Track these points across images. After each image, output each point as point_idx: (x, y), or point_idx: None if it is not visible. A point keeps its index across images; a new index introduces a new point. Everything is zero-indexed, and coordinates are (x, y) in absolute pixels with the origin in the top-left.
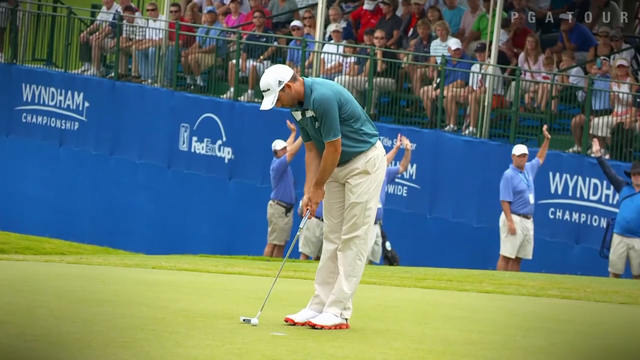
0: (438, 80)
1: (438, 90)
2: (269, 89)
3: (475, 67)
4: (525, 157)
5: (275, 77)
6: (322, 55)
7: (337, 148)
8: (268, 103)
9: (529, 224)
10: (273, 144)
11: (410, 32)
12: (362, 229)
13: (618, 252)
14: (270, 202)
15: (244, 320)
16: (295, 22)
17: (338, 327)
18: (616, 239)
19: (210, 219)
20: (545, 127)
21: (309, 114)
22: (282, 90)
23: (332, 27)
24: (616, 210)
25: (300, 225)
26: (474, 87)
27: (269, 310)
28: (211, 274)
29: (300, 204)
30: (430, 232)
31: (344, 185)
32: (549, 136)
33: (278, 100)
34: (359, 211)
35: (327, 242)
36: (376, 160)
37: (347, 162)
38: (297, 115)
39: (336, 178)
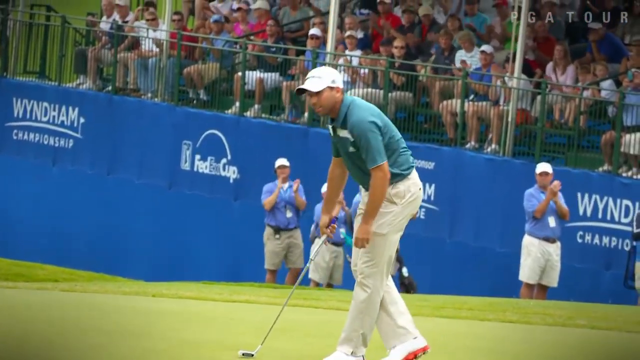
0: (471, 96)
1: (464, 105)
2: (320, 77)
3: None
4: (549, 176)
5: (333, 74)
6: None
7: (386, 173)
8: (316, 84)
9: (552, 248)
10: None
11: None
12: (380, 264)
13: None
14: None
15: (243, 354)
16: (314, 31)
17: None
18: (639, 267)
19: (215, 243)
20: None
21: (343, 134)
22: (330, 89)
23: (347, 33)
24: None
25: (311, 256)
26: (498, 102)
27: (279, 342)
28: (215, 302)
29: (313, 229)
30: (450, 257)
31: None
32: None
33: (319, 95)
34: (377, 244)
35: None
36: (406, 192)
37: None
38: (330, 129)
39: (363, 202)
